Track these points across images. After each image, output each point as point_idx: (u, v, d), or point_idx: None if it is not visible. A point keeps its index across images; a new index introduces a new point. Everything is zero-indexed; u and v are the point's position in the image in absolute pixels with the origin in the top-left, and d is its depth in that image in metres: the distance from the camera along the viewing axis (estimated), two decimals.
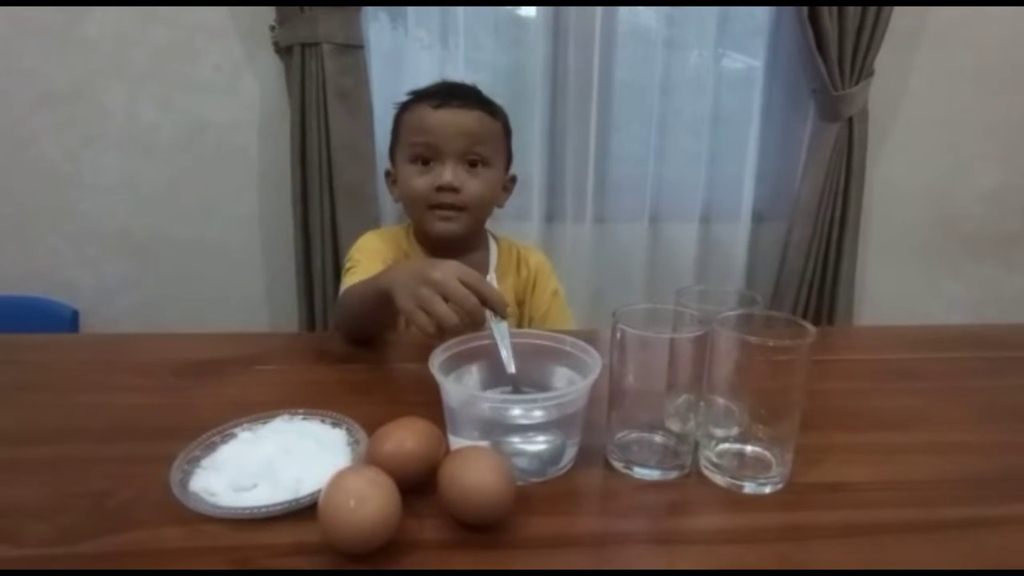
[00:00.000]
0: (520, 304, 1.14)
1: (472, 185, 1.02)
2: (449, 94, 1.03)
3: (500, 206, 1.12)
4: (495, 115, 1.07)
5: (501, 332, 0.67)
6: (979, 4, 1.82)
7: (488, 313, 0.68)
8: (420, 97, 1.05)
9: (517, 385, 0.64)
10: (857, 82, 1.76)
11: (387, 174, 1.14)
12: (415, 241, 1.12)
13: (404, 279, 0.72)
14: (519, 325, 1.13)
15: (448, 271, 0.68)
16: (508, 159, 1.12)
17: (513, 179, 1.14)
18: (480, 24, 1.75)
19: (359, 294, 0.86)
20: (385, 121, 1.71)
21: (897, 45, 1.77)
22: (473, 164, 1.03)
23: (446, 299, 0.66)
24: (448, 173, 1.00)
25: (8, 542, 0.49)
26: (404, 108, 1.07)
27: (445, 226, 1.03)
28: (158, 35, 1.67)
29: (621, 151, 1.88)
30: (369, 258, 1.03)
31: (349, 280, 0.97)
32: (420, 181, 1.02)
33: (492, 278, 0.76)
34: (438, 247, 1.08)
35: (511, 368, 0.64)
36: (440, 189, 1.01)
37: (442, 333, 0.66)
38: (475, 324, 0.67)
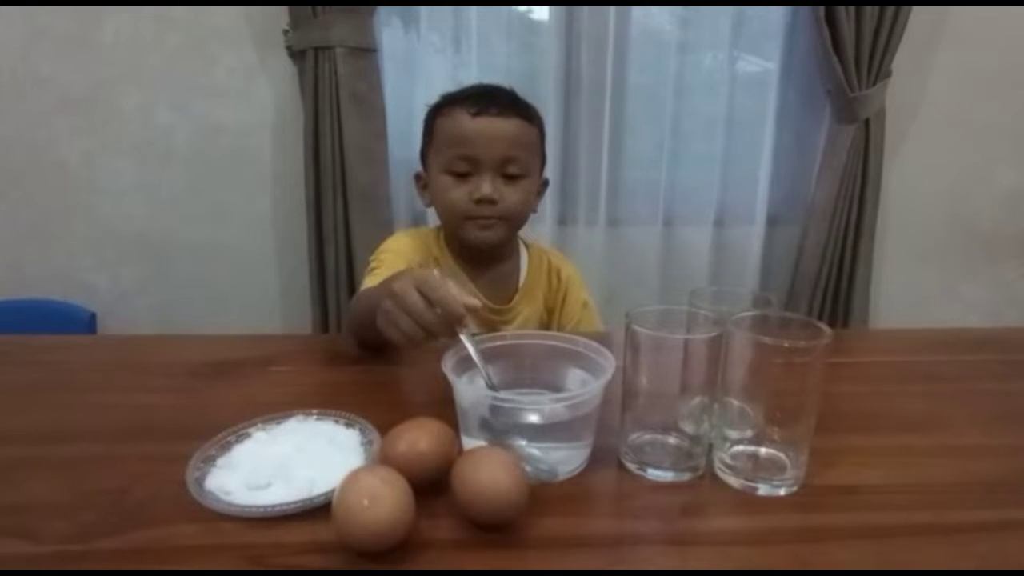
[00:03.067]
0: (550, 313, 1.14)
1: (510, 195, 1.00)
2: (487, 100, 0.99)
3: (534, 211, 1.09)
4: (532, 120, 1.03)
5: (470, 342, 0.64)
6: (998, 4, 1.80)
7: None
8: (456, 101, 1.02)
9: (496, 389, 0.62)
10: (874, 83, 1.74)
11: (417, 177, 1.10)
12: (445, 246, 1.10)
13: (384, 294, 0.69)
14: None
15: (405, 283, 0.65)
16: (543, 162, 1.09)
17: (545, 183, 1.12)
18: (493, 28, 1.76)
19: (364, 306, 0.81)
20: (398, 124, 1.74)
21: (915, 45, 1.76)
22: (510, 175, 1.00)
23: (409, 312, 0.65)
24: (486, 186, 0.98)
25: (28, 538, 0.49)
26: (438, 112, 1.03)
27: (482, 235, 1.01)
28: (173, 40, 1.69)
29: (634, 154, 1.88)
30: (394, 259, 1.01)
31: (369, 281, 0.96)
32: (457, 193, 0.99)
33: (438, 274, 0.69)
34: (470, 254, 1.07)
35: (486, 377, 0.62)
36: (479, 202, 0.98)
37: (416, 345, 0.66)
38: (444, 333, 0.64)
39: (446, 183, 1.01)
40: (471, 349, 0.63)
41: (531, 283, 1.12)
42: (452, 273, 1.06)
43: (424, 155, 1.08)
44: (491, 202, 0.99)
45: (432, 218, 1.54)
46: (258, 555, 0.48)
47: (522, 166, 1.01)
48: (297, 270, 1.81)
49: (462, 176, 0.99)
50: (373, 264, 1.03)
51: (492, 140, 0.98)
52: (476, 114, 0.98)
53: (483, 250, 1.05)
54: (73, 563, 0.47)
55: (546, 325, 1.13)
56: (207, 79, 1.72)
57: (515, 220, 1.05)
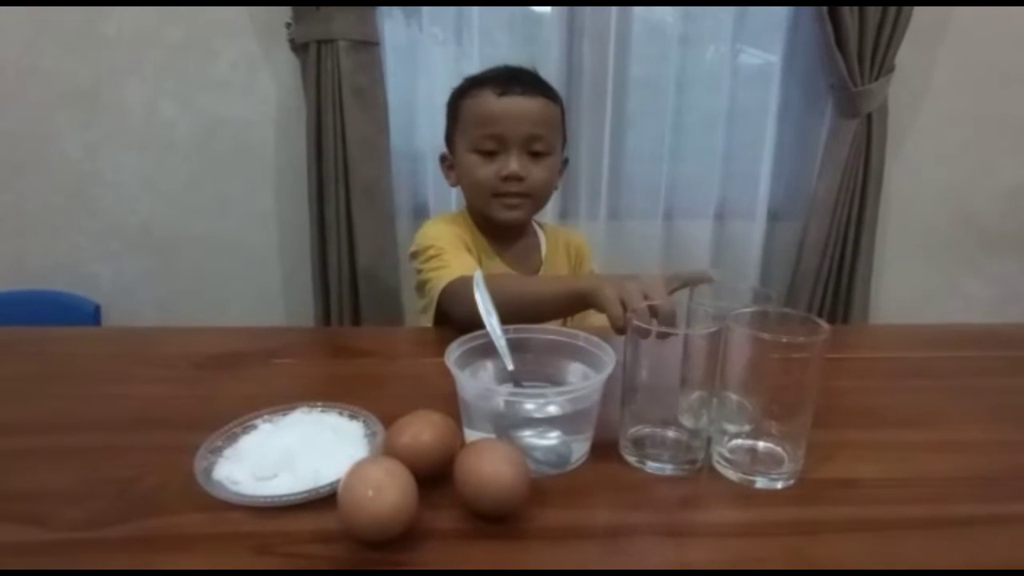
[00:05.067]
0: None
1: (536, 173, 1.04)
2: (511, 80, 1.04)
3: (556, 187, 1.13)
4: (554, 100, 1.08)
5: (495, 329, 0.66)
6: (1002, 5, 1.80)
7: (483, 310, 0.68)
8: (481, 83, 1.06)
9: (519, 380, 0.65)
10: (877, 78, 1.74)
11: (443, 159, 1.14)
12: (473, 224, 1.12)
13: (610, 280, 0.72)
14: None
15: (654, 280, 0.69)
16: (564, 140, 1.13)
17: (565, 161, 1.15)
18: (495, 21, 1.75)
19: (538, 289, 0.86)
20: (400, 117, 1.74)
21: (919, 40, 1.75)
22: (535, 152, 1.04)
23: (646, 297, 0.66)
24: (513, 163, 1.02)
25: (39, 525, 0.50)
26: (463, 94, 1.07)
27: (510, 214, 1.05)
28: (176, 34, 1.69)
29: (636, 148, 1.87)
30: (451, 243, 1.03)
31: (440, 266, 0.96)
32: (485, 171, 1.03)
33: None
34: (495, 231, 1.10)
35: (509, 365, 0.65)
36: (506, 179, 1.02)
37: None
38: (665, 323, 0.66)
39: (473, 162, 1.04)
40: (496, 339, 0.65)
41: (552, 256, 1.16)
42: (479, 249, 1.09)
43: (449, 137, 1.12)
44: (518, 179, 1.02)
45: (434, 206, 1.54)
46: (265, 544, 0.49)
47: (547, 144, 1.04)
48: (299, 263, 1.82)
49: (489, 155, 1.03)
50: (432, 252, 1.02)
51: (518, 119, 1.02)
52: (502, 94, 1.02)
53: (508, 228, 1.09)
54: (82, 550, 0.48)
55: None
56: (210, 72, 1.72)
57: (540, 197, 1.08)
